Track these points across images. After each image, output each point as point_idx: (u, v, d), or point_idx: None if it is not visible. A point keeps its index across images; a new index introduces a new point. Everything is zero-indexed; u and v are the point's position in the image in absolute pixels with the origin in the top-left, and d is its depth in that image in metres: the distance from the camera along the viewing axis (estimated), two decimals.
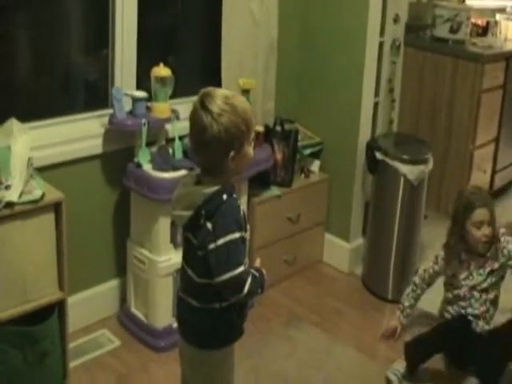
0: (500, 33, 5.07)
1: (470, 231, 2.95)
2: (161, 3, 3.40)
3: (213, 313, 2.00)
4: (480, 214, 2.94)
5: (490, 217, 2.95)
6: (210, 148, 1.89)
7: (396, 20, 4.08)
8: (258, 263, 2.12)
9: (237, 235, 1.90)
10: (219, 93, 1.92)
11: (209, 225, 1.89)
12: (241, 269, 1.89)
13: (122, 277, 3.21)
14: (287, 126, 3.53)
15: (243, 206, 2.26)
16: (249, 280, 1.92)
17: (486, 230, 2.93)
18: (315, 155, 3.74)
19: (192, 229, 1.95)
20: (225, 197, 1.91)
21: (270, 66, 3.51)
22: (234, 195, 1.96)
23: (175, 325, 2.85)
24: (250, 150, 1.98)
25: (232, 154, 1.89)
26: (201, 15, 3.59)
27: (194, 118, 1.91)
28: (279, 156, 3.48)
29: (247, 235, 1.99)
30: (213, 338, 2.04)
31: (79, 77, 3.18)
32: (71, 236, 2.67)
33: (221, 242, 1.88)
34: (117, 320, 3.18)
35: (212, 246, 1.89)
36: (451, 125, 4.31)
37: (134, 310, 3.12)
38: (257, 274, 2.00)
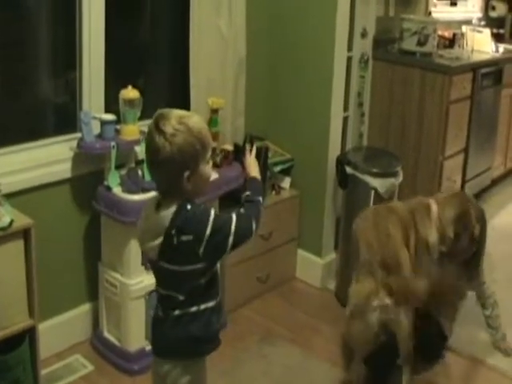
0: (467, 44, 5.12)
1: None
2: (128, 25, 3.40)
3: (192, 318, 2.00)
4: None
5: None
6: (164, 168, 1.90)
7: (364, 34, 4.13)
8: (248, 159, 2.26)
9: (212, 214, 1.92)
10: (174, 114, 1.93)
11: (186, 237, 1.90)
12: (233, 224, 1.94)
13: (94, 301, 3.19)
14: (257, 144, 3.52)
15: None
16: (247, 214, 2.01)
17: None
18: (286, 172, 3.76)
19: (166, 256, 1.95)
20: (188, 206, 1.92)
21: (239, 84, 3.52)
22: (195, 202, 1.97)
23: (148, 347, 2.85)
24: (206, 169, 1.98)
25: (187, 173, 1.90)
26: (169, 35, 3.59)
27: (148, 140, 1.92)
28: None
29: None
30: (191, 346, 2.04)
31: (47, 101, 3.17)
32: (41, 261, 2.66)
33: (208, 232, 1.89)
34: (90, 345, 3.17)
35: (202, 247, 1.90)
36: (421, 137, 4.34)
37: (106, 333, 3.11)
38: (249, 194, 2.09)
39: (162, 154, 1.86)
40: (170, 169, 1.89)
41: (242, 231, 1.97)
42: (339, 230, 3.77)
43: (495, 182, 5.47)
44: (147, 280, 2.92)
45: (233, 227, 1.94)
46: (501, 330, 3.33)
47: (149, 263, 2.13)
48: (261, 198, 2.12)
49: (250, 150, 2.33)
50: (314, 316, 3.57)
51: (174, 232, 1.90)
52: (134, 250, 2.91)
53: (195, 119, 1.96)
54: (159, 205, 1.97)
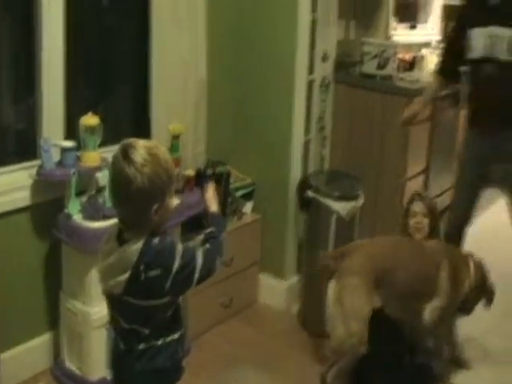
0: (426, 67, 5.20)
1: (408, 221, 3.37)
2: (88, 50, 3.39)
3: (158, 350, 1.99)
4: (417, 205, 3.38)
5: (426, 210, 3.37)
6: (135, 201, 1.88)
7: (324, 58, 4.17)
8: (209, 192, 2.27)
9: (180, 248, 1.93)
10: (141, 143, 1.92)
11: (154, 272, 1.89)
12: (199, 259, 1.96)
13: (55, 330, 3.15)
14: (219, 169, 3.54)
15: None
16: (212, 250, 2.04)
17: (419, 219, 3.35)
18: (247, 196, 3.77)
19: (132, 290, 1.93)
20: (155, 240, 1.92)
21: (200, 108, 3.52)
22: (162, 236, 1.96)
23: (109, 377, 2.83)
24: (171, 201, 1.99)
25: (156, 206, 1.89)
26: (129, 60, 3.59)
27: (115, 171, 1.90)
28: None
29: None
30: (156, 378, 2.03)
31: (6, 128, 3.14)
32: (1, 291, 2.63)
33: (176, 266, 1.90)
34: (51, 374, 3.12)
35: (169, 281, 1.90)
36: (382, 159, 4.39)
37: (67, 363, 3.07)
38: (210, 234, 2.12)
39: (134, 185, 1.84)
40: (140, 201, 1.88)
41: (207, 267, 1.99)
42: (301, 253, 3.79)
43: None
44: None
45: (199, 263, 1.96)
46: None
47: (107, 299, 2.08)
48: (223, 234, 2.15)
49: (209, 186, 2.34)
50: (279, 340, 3.57)
51: (142, 268, 1.89)
52: (95, 278, 2.83)
53: (162, 150, 1.97)
54: (123, 238, 1.95)
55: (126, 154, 1.87)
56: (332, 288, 2.96)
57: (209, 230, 2.15)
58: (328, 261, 3.08)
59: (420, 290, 3.11)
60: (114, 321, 2.07)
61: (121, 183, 1.88)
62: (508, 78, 3.52)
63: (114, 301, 2.04)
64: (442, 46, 4.09)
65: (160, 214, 1.92)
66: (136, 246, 1.89)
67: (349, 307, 2.90)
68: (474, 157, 3.72)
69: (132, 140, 1.94)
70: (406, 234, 3.38)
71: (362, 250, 3.07)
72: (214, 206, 2.26)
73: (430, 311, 3.12)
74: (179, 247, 1.95)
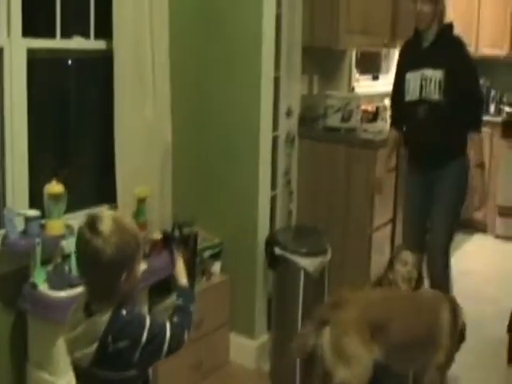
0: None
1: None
2: (51, 118, 3.41)
3: None
4: (408, 255, 3.43)
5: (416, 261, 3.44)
6: (104, 271, 1.88)
7: (289, 113, 4.23)
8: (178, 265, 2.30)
9: (148, 320, 1.94)
10: (106, 214, 1.95)
11: (122, 343, 1.89)
12: (168, 332, 1.97)
13: None
14: (186, 230, 3.54)
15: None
16: (180, 323, 2.04)
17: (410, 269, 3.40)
18: (216, 256, 3.77)
19: (99, 362, 1.91)
20: (124, 312, 1.92)
21: (165, 173, 3.54)
22: (129, 306, 1.97)
23: None
24: (139, 269, 2.00)
25: (125, 275, 1.90)
26: (93, 125, 3.59)
27: (82, 244, 1.90)
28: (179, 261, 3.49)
29: None
30: None
31: None
32: None
33: (144, 338, 1.90)
34: None
35: (137, 353, 1.90)
36: (348, 211, 4.42)
37: None
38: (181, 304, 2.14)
39: (103, 256, 1.85)
40: (110, 271, 1.89)
41: (175, 340, 2.00)
42: (271, 311, 3.78)
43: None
44: None
45: (168, 336, 1.97)
46: None
47: (74, 371, 2.07)
48: (192, 308, 2.16)
49: (178, 259, 2.37)
50: None
51: (110, 339, 1.88)
52: (62, 347, 2.83)
53: (128, 219, 2.00)
54: (90, 309, 1.95)
55: (92, 225, 1.88)
56: (327, 337, 2.95)
57: (178, 303, 2.16)
58: (321, 310, 3.09)
59: (423, 338, 3.12)
60: None
61: (89, 255, 1.88)
62: (438, 118, 3.77)
63: (80, 374, 2.03)
64: (390, 97, 4.25)
65: (129, 282, 1.94)
66: (104, 318, 1.89)
67: (350, 354, 2.91)
68: (414, 188, 4.06)
69: (95, 212, 1.98)
70: (388, 285, 3.39)
71: (355, 302, 3.05)
72: (183, 278, 2.28)
73: (435, 365, 3.14)
74: (148, 319, 1.95)
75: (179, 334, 2.02)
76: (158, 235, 3.36)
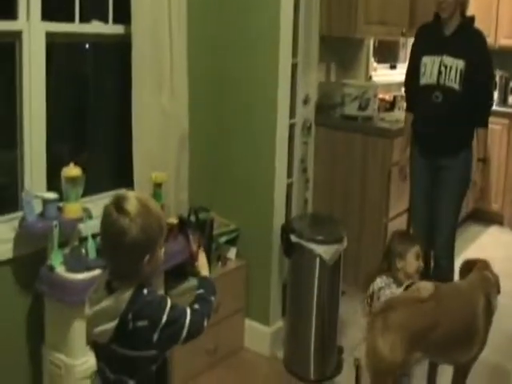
0: None
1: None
2: (70, 102, 3.43)
3: None
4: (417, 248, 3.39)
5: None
6: (128, 251, 1.92)
7: (306, 101, 4.22)
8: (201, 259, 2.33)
9: (169, 303, 1.97)
10: (132, 195, 1.97)
11: (141, 323, 1.92)
12: (188, 317, 1.99)
13: (38, 383, 3.12)
14: (202, 216, 3.56)
15: None
16: (200, 311, 2.07)
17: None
18: (231, 242, 3.78)
19: (119, 339, 1.94)
20: (145, 291, 1.96)
21: (182, 159, 3.54)
22: (151, 288, 2.01)
23: None
24: (161, 252, 2.03)
25: (147, 257, 1.94)
26: (111, 111, 3.61)
27: (109, 222, 1.93)
28: (195, 246, 3.49)
29: None
30: None
31: None
32: None
33: (164, 320, 1.93)
34: None
35: (156, 334, 1.93)
36: (364, 200, 4.44)
37: None
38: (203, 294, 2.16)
39: (128, 236, 1.89)
40: (134, 252, 1.92)
41: (195, 326, 2.02)
42: (286, 298, 3.79)
43: None
44: (92, 360, 2.85)
45: (187, 321, 2.00)
46: None
47: (94, 347, 2.11)
48: (213, 298, 2.19)
49: (201, 251, 2.45)
50: None
51: (130, 317, 1.91)
52: (78, 329, 2.87)
53: (153, 202, 2.03)
54: (111, 287, 1.98)
55: (119, 205, 1.92)
56: (371, 341, 2.92)
57: (199, 292, 2.19)
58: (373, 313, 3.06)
59: (463, 332, 3.05)
60: (100, 371, 2.09)
61: (114, 234, 1.92)
62: (454, 105, 3.77)
63: (99, 350, 2.07)
64: (404, 82, 4.23)
65: (151, 264, 1.97)
66: (125, 295, 1.92)
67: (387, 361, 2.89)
68: (418, 173, 4.04)
69: (123, 192, 2.02)
70: (396, 276, 3.35)
71: (406, 307, 2.99)
72: (205, 271, 2.32)
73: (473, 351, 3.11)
74: (169, 302, 1.98)
75: (199, 321, 2.05)
76: (174, 220, 3.38)
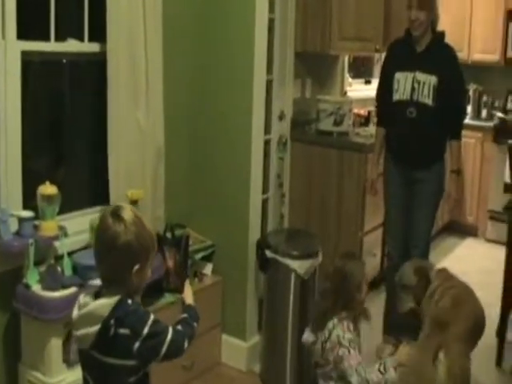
0: None
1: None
2: (45, 119, 3.44)
3: None
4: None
5: None
6: (120, 255, 1.98)
7: (281, 117, 4.28)
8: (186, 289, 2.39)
9: (152, 317, 2.02)
10: (128, 206, 2.10)
11: (123, 330, 1.96)
12: (169, 335, 2.03)
13: None
14: (178, 232, 3.58)
15: None
16: (183, 332, 2.11)
17: None
18: (207, 258, 3.80)
19: (99, 345, 1.98)
20: (130, 301, 2.01)
21: (158, 174, 3.56)
22: (136, 299, 2.08)
23: None
24: (149, 269, 2.10)
25: (137, 267, 2.00)
26: (87, 128, 3.62)
27: (103, 227, 2.02)
28: (171, 262, 3.51)
29: None
30: None
31: None
32: None
33: (145, 331, 1.97)
34: None
35: (137, 344, 1.96)
36: (340, 214, 4.47)
37: None
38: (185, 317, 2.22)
39: (122, 238, 1.97)
40: (125, 256, 1.99)
41: (175, 345, 2.06)
42: (262, 312, 3.81)
43: None
44: (69, 377, 2.90)
45: (168, 338, 2.04)
46: None
47: (79, 354, 2.13)
48: (196, 324, 2.25)
49: (187, 283, 2.52)
50: None
51: (112, 322, 1.96)
52: (55, 347, 2.89)
53: (145, 220, 2.11)
54: (99, 294, 2.04)
55: (115, 213, 2.01)
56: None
57: (183, 316, 2.25)
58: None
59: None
60: (84, 380, 2.12)
61: (108, 237, 1.99)
62: (427, 120, 3.84)
63: (82, 357, 2.10)
64: (375, 98, 4.26)
65: (139, 276, 2.03)
66: (110, 300, 1.98)
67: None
68: (393, 187, 4.07)
69: (120, 204, 2.11)
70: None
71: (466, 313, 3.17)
72: (189, 299, 2.38)
73: None
74: (152, 316, 2.03)
75: (179, 341, 2.09)
76: None
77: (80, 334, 2.01)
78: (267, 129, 4.06)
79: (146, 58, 3.41)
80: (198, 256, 3.73)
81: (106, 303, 1.97)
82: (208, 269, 3.80)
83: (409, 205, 4.01)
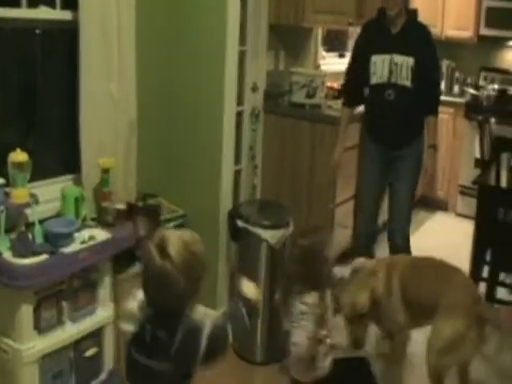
0: None
1: None
2: (17, 87, 3.41)
3: None
4: None
5: None
6: (176, 301, 2.01)
7: (254, 89, 4.27)
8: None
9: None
10: (174, 237, 2.02)
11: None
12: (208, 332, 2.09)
13: None
14: (150, 201, 3.59)
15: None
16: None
17: None
18: (179, 228, 3.81)
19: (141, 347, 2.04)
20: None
21: (130, 145, 3.56)
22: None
23: None
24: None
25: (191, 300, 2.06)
26: (59, 97, 3.59)
27: (153, 268, 1.97)
28: (143, 232, 3.52)
29: None
30: None
31: None
32: None
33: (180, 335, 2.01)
34: None
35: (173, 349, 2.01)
36: (312, 187, 4.51)
37: None
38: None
39: (178, 288, 1.96)
40: (181, 300, 2.02)
41: (216, 340, 2.10)
42: (233, 282, 3.85)
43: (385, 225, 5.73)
44: (40, 344, 2.91)
45: (208, 333, 2.08)
46: None
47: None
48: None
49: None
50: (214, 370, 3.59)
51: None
52: (25, 314, 2.89)
53: (195, 238, 2.09)
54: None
55: (161, 247, 1.97)
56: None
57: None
58: None
59: None
60: None
61: (162, 284, 1.97)
62: (406, 101, 3.87)
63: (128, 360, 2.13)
64: (344, 77, 4.29)
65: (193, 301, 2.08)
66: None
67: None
68: (370, 166, 4.13)
69: (166, 232, 2.04)
70: None
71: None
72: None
73: None
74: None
75: (221, 338, 2.16)
76: (121, 206, 3.41)
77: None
78: (240, 100, 4.07)
79: (118, 28, 3.40)
80: (170, 225, 3.75)
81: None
82: None
83: (385, 183, 4.08)
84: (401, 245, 4.09)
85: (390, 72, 3.85)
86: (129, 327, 2.05)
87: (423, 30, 3.93)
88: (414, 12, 3.97)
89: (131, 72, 3.51)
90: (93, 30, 3.29)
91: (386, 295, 3.26)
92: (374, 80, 3.92)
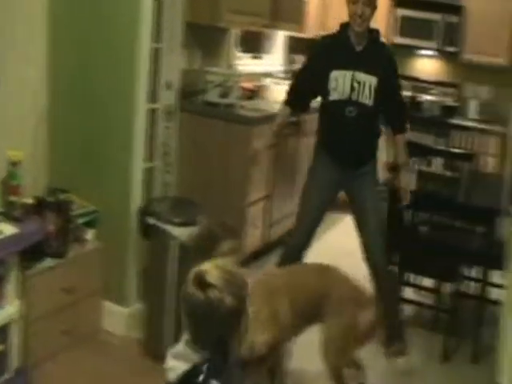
0: (270, 96, 5.42)
1: None
2: None
3: None
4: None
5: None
6: (225, 320, 1.92)
7: (168, 86, 4.26)
8: None
9: None
10: (209, 267, 1.96)
11: None
12: None
13: None
14: (60, 196, 3.54)
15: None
16: None
17: None
18: (90, 224, 3.78)
19: None
20: None
21: (39, 136, 3.50)
22: None
23: None
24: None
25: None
26: None
27: (197, 304, 1.92)
28: (52, 227, 3.47)
29: None
30: None
31: None
32: None
33: None
34: None
35: None
36: (225, 185, 4.55)
37: None
38: None
39: (224, 306, 1.88)
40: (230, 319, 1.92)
41: None
42: (144, 280, 3.84)
43: None
44: None
45: None
46: None
47: None
48: None
49: None
50: (122, 367, 3.56)
51: None
52: None
53: (229, 264, 2.06)
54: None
55: (201, 281, 1.91)
56: None
57: None
58: None
59: None
60: None
61: (207, 311, 1.90)
62: (366, 119, 3.85)
63: None
64: (292, 80, 4.23)
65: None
66: None
67: None
68: (323, 182, 3.98)
69: (199, 268, 1.98)
70: None
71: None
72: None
73: None
74: None
75: None
76: (29, 200, 3.35)
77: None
78: (154, 97, 4.04)
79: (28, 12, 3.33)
80: (80, 221, 3.71)
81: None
82: (90, 234, 3.78)
83: (333, 198, 4.05)
84: (385, 272, 4.03)
85: (352, 89, 3.76)
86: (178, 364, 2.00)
87: (387, 50, 3.96)
88: (377, 31, 3.91)
89: (42, 59, 3.43)
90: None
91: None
92: (334, 96, 3.81)
